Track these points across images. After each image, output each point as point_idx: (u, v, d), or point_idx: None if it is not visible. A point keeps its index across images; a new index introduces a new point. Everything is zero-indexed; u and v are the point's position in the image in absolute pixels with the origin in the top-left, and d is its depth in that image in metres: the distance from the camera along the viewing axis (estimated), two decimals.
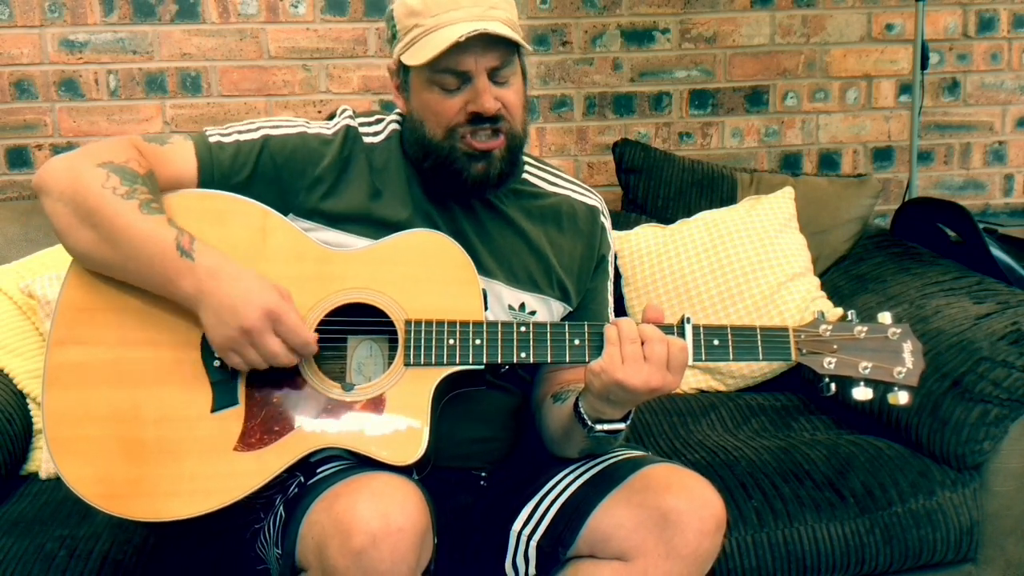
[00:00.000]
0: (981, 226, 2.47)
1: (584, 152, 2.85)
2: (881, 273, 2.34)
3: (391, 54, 1.52)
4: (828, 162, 2.96)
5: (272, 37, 2.66)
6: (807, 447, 1.91)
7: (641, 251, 2.37)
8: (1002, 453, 1.84)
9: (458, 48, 1.40)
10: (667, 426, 2.09)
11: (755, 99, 2.89)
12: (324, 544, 1.25)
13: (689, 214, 2.45)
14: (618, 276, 2.37)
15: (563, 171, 1.69)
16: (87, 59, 2.60)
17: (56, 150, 2.62)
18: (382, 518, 1.23)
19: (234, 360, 1.37)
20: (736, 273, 2.28)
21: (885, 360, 1.39)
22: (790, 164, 2.94)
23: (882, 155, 2.99)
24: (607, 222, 1.67)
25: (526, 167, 1.64)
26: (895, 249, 2.47)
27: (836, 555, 1.77)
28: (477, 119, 1.45)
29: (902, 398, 1.39)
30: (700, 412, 2.15)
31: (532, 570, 1.46)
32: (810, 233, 2.43)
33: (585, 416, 1.40)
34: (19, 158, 2.63)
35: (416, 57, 1.43)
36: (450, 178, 1.50)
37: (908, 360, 1.39)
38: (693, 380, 2.29)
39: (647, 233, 2.41)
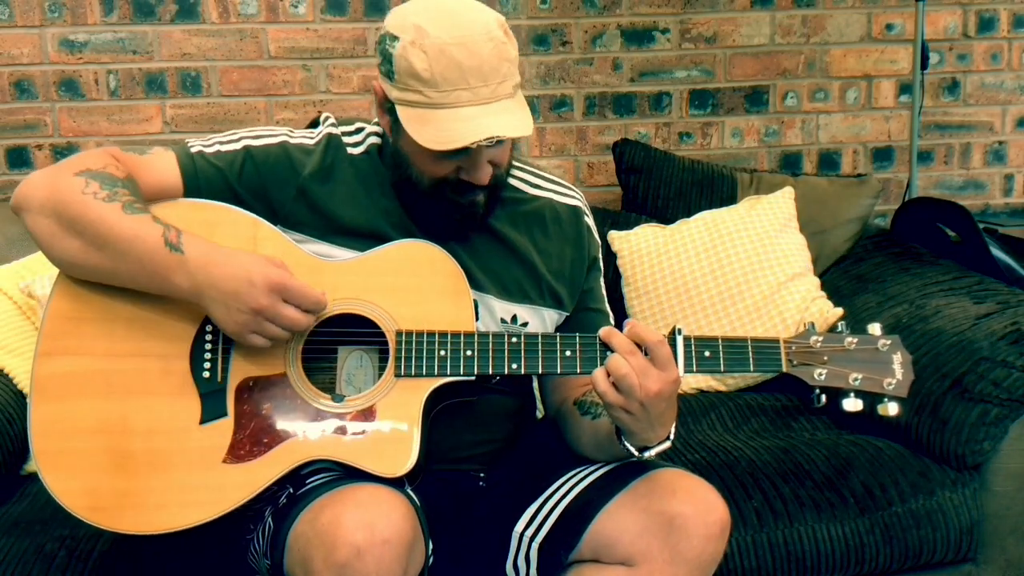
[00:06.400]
0: (981, 226, 2.47)
1: (584, 152, 2.85)
2: (881, 273, 2.34)
3: (379, 75, 1.43)
4: (828, 162, 2.96)
5: (272, 37, 2.66)
6: (807, 447, 1.91)
7: (641, 251, 2.37)
8: (1002, 453, 1.84)
9: None
10: None
11: (755, 99, 2.89)
12: (309, 556, 1.24)
13: (689, 214, 2.45)
14: (617, 276, 2.37)
15: (544, 170, 1.65)
16: (87, 59, 2.60)
17: (56, 150, 2.62)
18: (367, 529, 1.21)
19: (256, 341, 1.35)
20: (736, 273, 2.28)
21: (875, 371, 1.39)
22: (790, 164, 2.94)
23: (882, 155, 2.99)
24: (590, 220, 1.64)
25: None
26: (895, 249, 2.47)
27: (836, 555, 1.77)
28: (469, 183, 1.43)
29: (891, 409, 1.39)
30: (700, 412, 2.15)
31: (533, 572, 1.46)
32: (810, 233, 2.43)
33: (634, 450, 1.38)
34: (19, 158, 2.63)
35: (421, 136, 1.35)
36: (435, 215, 1.48)
37: (898, 371, 1.39)
38: (693, 380, 2.29)
39: (647, 233, 2.41)
